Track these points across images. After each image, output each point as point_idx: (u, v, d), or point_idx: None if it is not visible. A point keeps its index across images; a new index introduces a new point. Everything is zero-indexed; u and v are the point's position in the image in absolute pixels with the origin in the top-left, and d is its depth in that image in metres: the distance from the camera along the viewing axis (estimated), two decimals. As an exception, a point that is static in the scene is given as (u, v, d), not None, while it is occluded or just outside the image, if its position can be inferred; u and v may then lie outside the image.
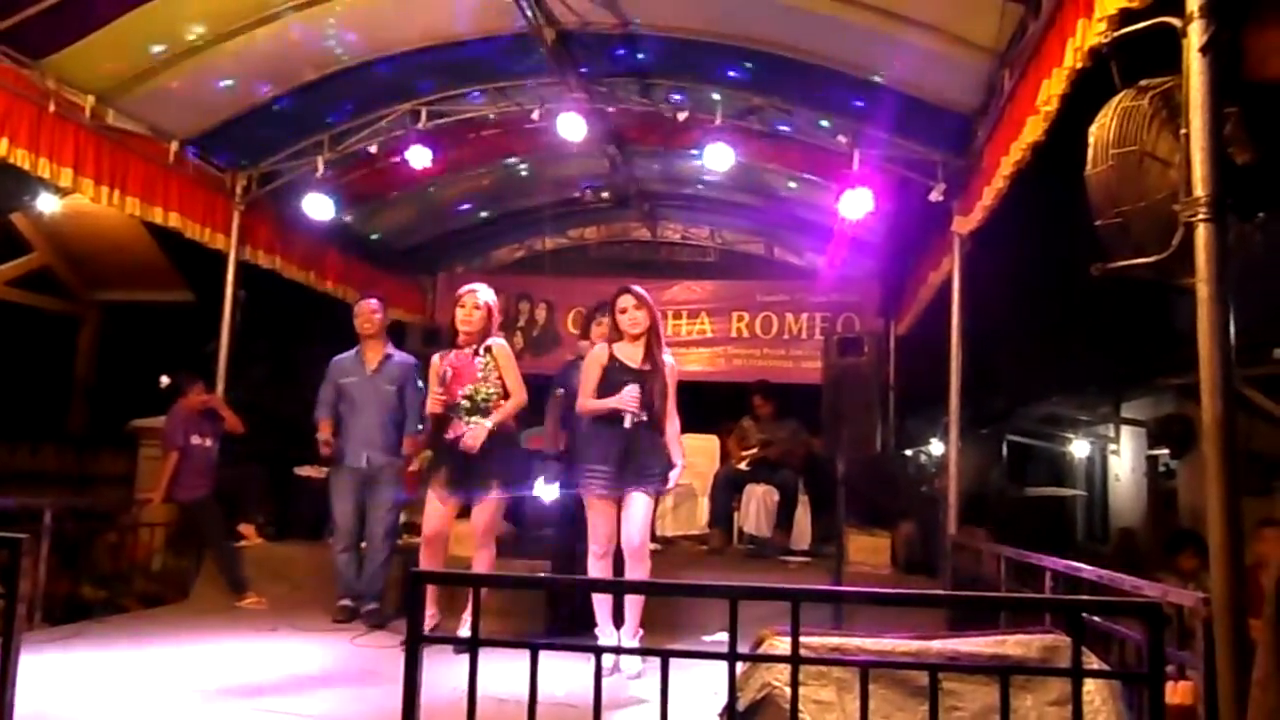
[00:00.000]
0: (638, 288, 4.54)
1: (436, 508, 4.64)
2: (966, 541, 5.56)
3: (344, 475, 5.46)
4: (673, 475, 4.44)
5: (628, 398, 4.29)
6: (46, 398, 10.21)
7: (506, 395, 4.65)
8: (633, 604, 4.45)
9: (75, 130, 5.36)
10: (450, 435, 4.66)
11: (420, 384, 5.49)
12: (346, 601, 5.34)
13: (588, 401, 4.44)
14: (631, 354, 4.45)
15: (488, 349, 4.69)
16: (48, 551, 5.14)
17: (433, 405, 4.63)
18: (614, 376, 4.39)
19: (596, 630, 4.42)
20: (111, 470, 8.54)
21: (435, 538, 4.65)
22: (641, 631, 4.46)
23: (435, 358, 4.79)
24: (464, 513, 4.75)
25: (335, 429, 5.49)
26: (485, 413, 4.60)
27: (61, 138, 5.27)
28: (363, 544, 5.47)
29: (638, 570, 4.39)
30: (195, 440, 5.98)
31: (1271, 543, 3.97)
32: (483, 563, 4.67)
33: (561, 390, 5.36)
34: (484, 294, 4.73)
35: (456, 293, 4.88)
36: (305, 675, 4.13)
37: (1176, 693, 2.69)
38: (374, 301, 5.62)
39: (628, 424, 4.30)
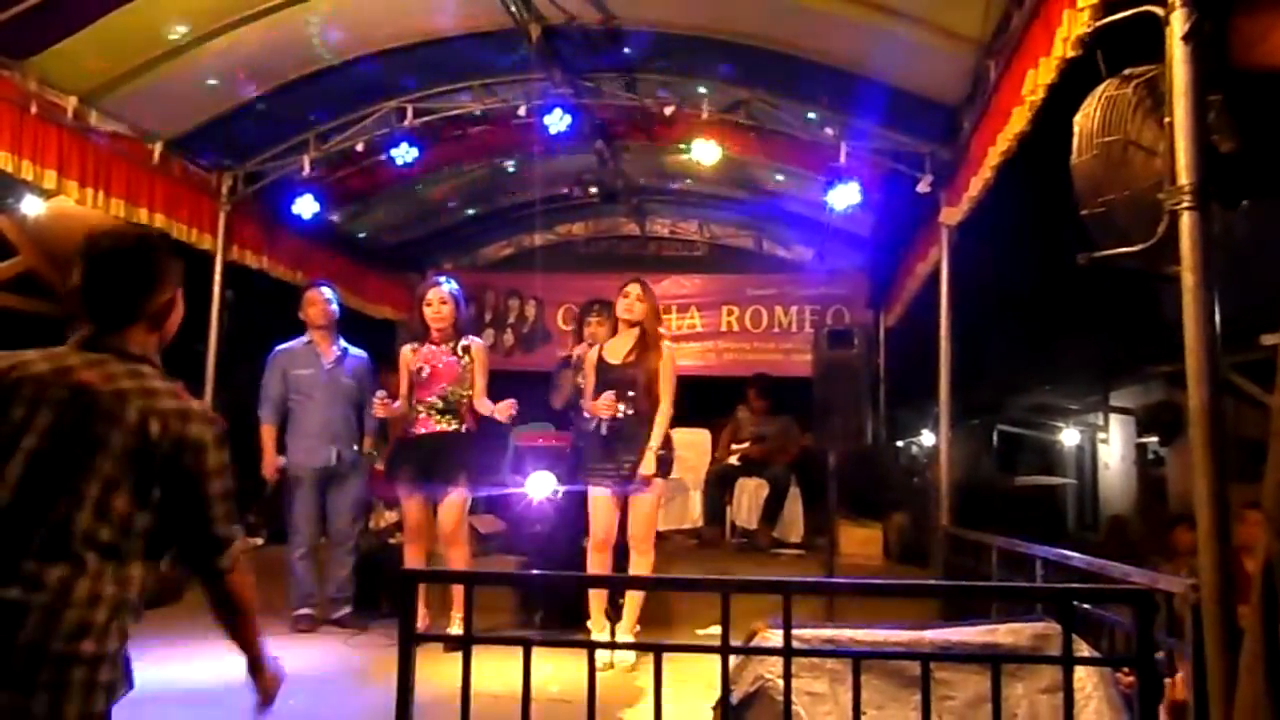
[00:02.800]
0: (645, 281, 4.68)
1: (409, 503, 4.68)
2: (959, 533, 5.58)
3: (303, 474, 5.18)
4: (646, 459, 4.44)
5: (601, 404, 4.44)
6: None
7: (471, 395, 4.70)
8: (631, 599, 4.48)
9: (58, 132, 5.31)
10: (418, 431, 4.67)
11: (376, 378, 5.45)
12: (306, 610, 5.09)
13: (584, 403, 4.63)
14: (618, 350, 4.53)
15: (466, 349, 4.70)
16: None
17: (378, 410, 4.70)
18: (603, 375, 4.53)
19: (590, 624, 4.43)
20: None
21: (417, 532, 4.67)
22: (639, 627, 4.48)
23: (407, 349, 4.78)
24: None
25: (281, 428, 5.25)
26: (455, 412, 4.64)
27: (44, 139, 5.22)
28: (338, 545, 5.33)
29: (640, 563, 4.44)
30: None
31: (1254, 525, 3.98)
32: (457, 561, 4.66)
33: (568, 369, 5.46)
34: (448, 286, 4.76)
35: (420, 289, 4.89)
36: (298, 676, 4.10)
37: (1176, 687, 2.71)
38: (326, 290, 5.38)
39: (604, 430, 4.46)
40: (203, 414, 1.85)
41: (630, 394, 4.44)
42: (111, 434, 1.74)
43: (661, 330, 4.70)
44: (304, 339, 5.36)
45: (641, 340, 4.52)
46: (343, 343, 5.41)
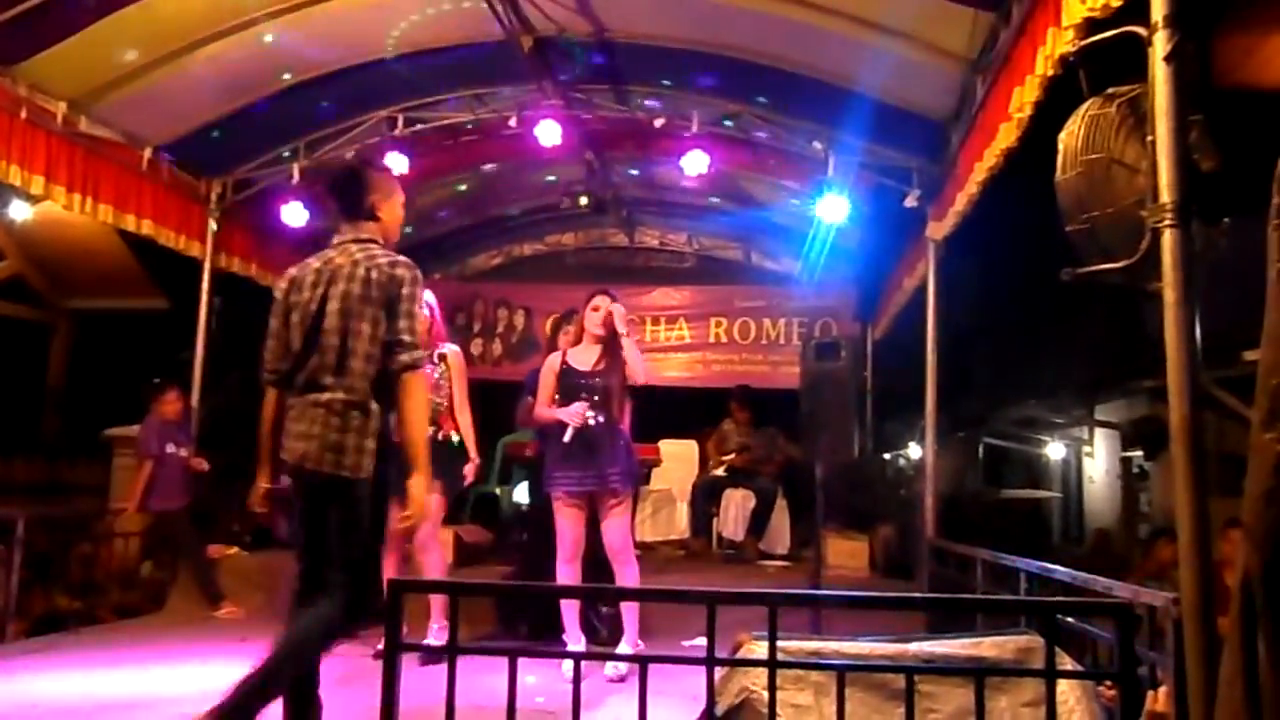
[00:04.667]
0: (613, 295, 4.54)
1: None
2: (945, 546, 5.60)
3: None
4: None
5: (574, 412, 4.29)
6: (18, 407, 10.09)
7: (452, 404, 4.64)
8: (630, 611, 4.42)
9: (47, 137, 5.30)
10: (396, 439, 4.61)
11: None
12: None
13: (541, 410, 4.47)
14: (585, 358, 4.44)
15: (442, 357, 4.66)
16: (20, 563, 5.08)
17: None
18: (567, 382, 4.40)
19: (565, 636, 4.40)
20: (85, 480, 8.45)
21: (390, 542, 4.60)
22: (641, 644, 4.42)
23: None
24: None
25: None
26: (434, 422, 4.58)
27: (33, 145, 5.21)
28: None
29: (626, 574, 4.38)
30: (170, 449, 5.91)
31: (1236, 543, 4.00)
32: (433, 566, 4.60)
33: (531, 398, 5.27)
34: (426, 296, 4.72)
35: None
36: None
37: (1158, 700, 2.72)
38: None
39: (567, 437, 4.29)
40: (406, 264, 2.90)
41: (598, 402, 4.36)
42: (354, 288, 2.84)
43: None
44: None
45: (609, 349, 4.46)
46: None
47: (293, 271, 3.07)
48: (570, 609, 4.42)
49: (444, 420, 4.63)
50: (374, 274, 2.85)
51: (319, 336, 2.85)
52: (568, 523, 4.36)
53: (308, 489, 2.91)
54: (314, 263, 3.00)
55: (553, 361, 4.53)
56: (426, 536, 4.60)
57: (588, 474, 4.30)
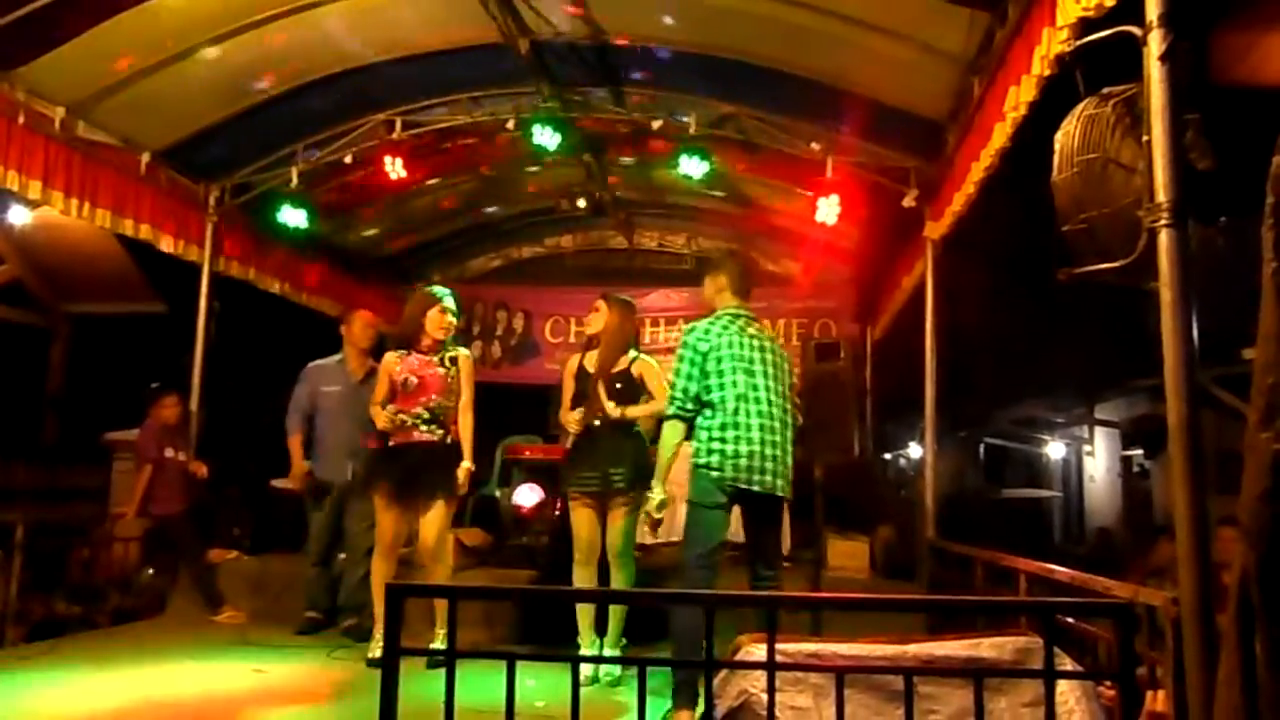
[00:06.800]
0: (611, 296, 4.56)
1: (386, 515, 4.58)
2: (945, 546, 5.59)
3: (324, 488, 5.40)
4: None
5: (572, 419, 4.39)
6: (17, 412, 10.08)
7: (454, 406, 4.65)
8: (615, 613, 4.45)
9: (45, 142, 5.29)
10: (402, 441, 4.58)
11: None
12: (313, 614, 5.30)
13: (561, 414, 4.54)
14: (595, 359, 4.48)
15: (453, 360, 4.65)
16: (20, 568, 5.08)
17: (382, 423, 4.55)
18: (581, 384, 4.44)
19: (579, 639, 4.41)
20: (84, 484, 8.43)
21: (392, 547, 4.59)
22: (625, 641, 4.45)
23: (392, 356, 4.67)
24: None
25: (308, 439, 5.41)
26: (441, 423, 4.57)
27: (31, 149, 5.20)
28: (341, 555, 5.42)
29: (620, 578, 4.40)
30: (169, 454, 5.91)
31: (1229, 541, 3.96)
32: (440, 575, 4.58)
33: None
34: (451, 300, 4.72)
35: (430, 292, 4.76)
36: (281, 690, 4.10)
37: (1157, 700, 2.72)
38: (370, 314, 5.67)
39: (584, 440, 4.39)
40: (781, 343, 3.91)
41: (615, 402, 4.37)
42: (773, 357, 3.86)
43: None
44: (336, 356, 5.54)
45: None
46: (371, 362, 5.49)
47: (705, 324, 3.82)
48: (584, 613, 4.43)
49: (450, 424, 4.62)
50: (780, 349, 3.90)
51: (765, 392, 3.75)
52: (582, 526, 4.40)
53: (766, 505, 3.89)
54: (731, 327, 3.80)
55: (570, 365, 4.58)
56: (437, 544, 4.57)
57: (600, 474, 4.33)
